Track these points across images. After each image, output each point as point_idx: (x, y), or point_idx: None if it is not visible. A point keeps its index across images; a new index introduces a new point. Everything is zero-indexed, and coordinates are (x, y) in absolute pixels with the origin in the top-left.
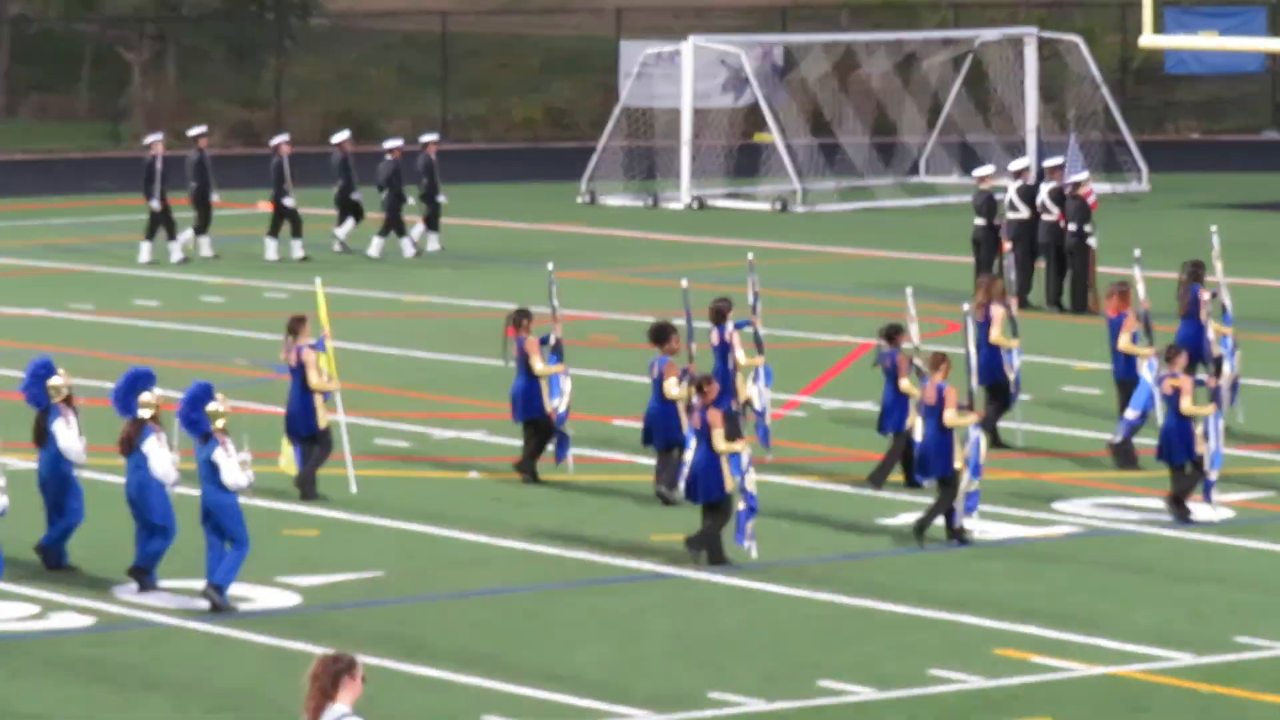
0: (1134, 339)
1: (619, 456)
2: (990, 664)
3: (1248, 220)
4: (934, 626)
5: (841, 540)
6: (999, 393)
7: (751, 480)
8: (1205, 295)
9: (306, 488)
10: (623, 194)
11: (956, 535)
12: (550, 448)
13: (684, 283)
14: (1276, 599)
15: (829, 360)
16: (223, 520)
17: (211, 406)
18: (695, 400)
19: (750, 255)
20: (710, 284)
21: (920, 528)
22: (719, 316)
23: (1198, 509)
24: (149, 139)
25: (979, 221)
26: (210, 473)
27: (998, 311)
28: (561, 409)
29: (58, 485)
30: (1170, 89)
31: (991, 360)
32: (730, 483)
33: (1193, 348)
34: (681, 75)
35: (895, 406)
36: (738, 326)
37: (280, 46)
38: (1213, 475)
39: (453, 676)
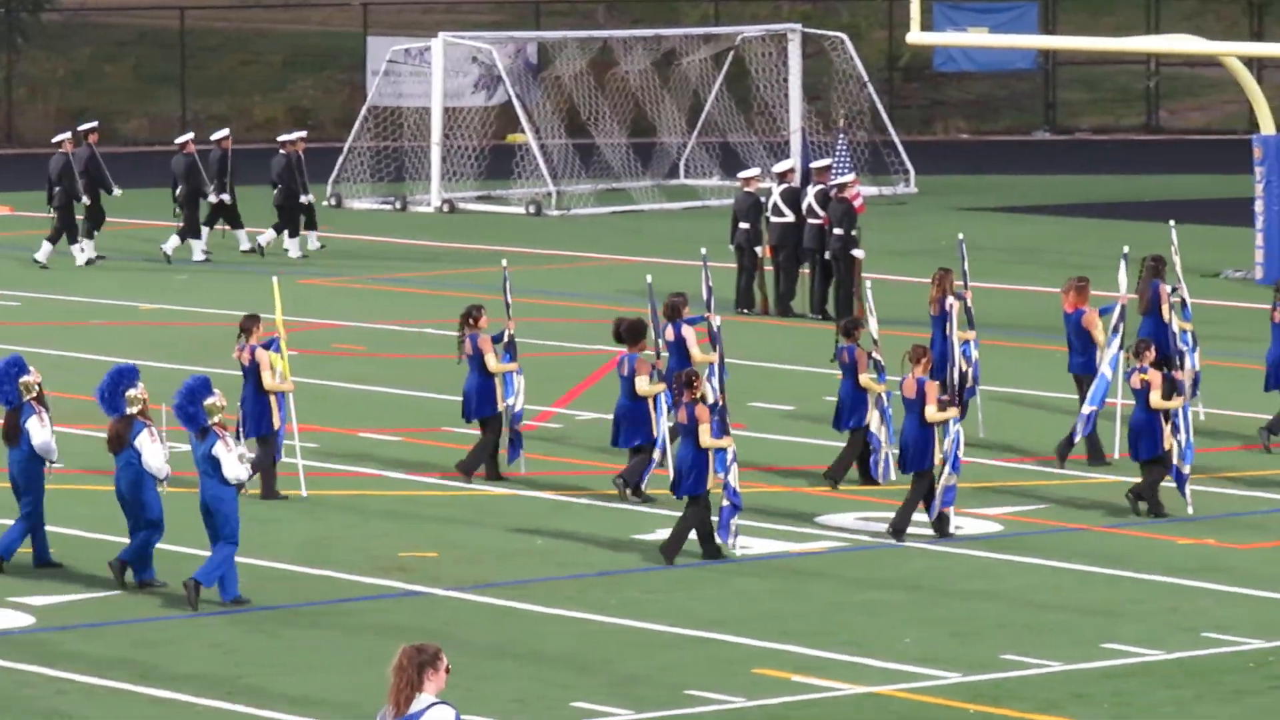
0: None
1: (368, 471)
2: (750, 684)
3: (1018, 223)
4: (692, 645)
5: (597, 557)
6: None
7: (735, 477)
8: (1166, 289)
9: (267, 489)
10: (370, 197)
11: (937, 526)
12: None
13: (649, 279)
14: (1044, 616)
15: (584, 370)
16: (220, 515)
17: (209, 400)
18: (682, 396)
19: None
20: (461, 291)
21: (898, 528)
22: (673, 312)
23: (1179, 501)
24: None
25: (743, 225)
26: (210, 467)
27: (955, 304)
28: (516, 407)
29: (27, 484)
30: (939, 87)
31: (949, 355)
32: (714, 479)
33: (1157, 344)
34: (431, 73)
35: (853, 402)
36: (689, 322)
37: (10, 42)
38: (1185, 469)
39: (191, 699)
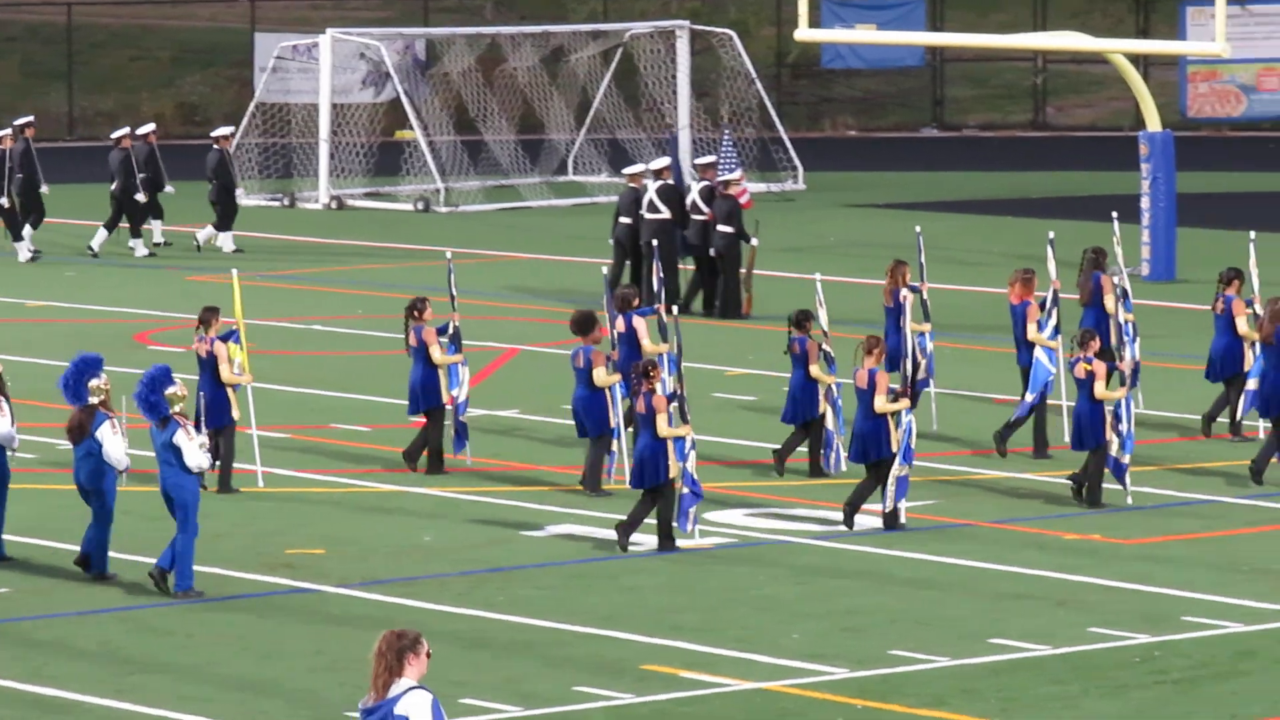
0: (1040, 327)
1: (251, 468)
2: (639, 680)
3: (905, 220)
4: (581, 642)
5: (487, 553)
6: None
7: (694, 465)
8: (1110, 279)
9: (223, 484)
10: (257, 193)
11: (889, 519)
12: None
13: (604, 269)
14: (932, 611)
15: (474, 367)
16: (181, 503)
17: (170, 390)
18: (641, 386)
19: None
20: (349, 288)
21: (850, 513)
22: (624, 304)
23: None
24: None
25: (624, 220)
26: (171, 456)
27: (909, 296)
28: (461, 398)
29: None
30: (827, 84)
31: (902, 347)
32: (674, 468)
33: (1099, 337)
34: (320, 69)
35: (804, 393)
36: (640, 313)
37: None
38: (1125, 459)
39: (77, 697)
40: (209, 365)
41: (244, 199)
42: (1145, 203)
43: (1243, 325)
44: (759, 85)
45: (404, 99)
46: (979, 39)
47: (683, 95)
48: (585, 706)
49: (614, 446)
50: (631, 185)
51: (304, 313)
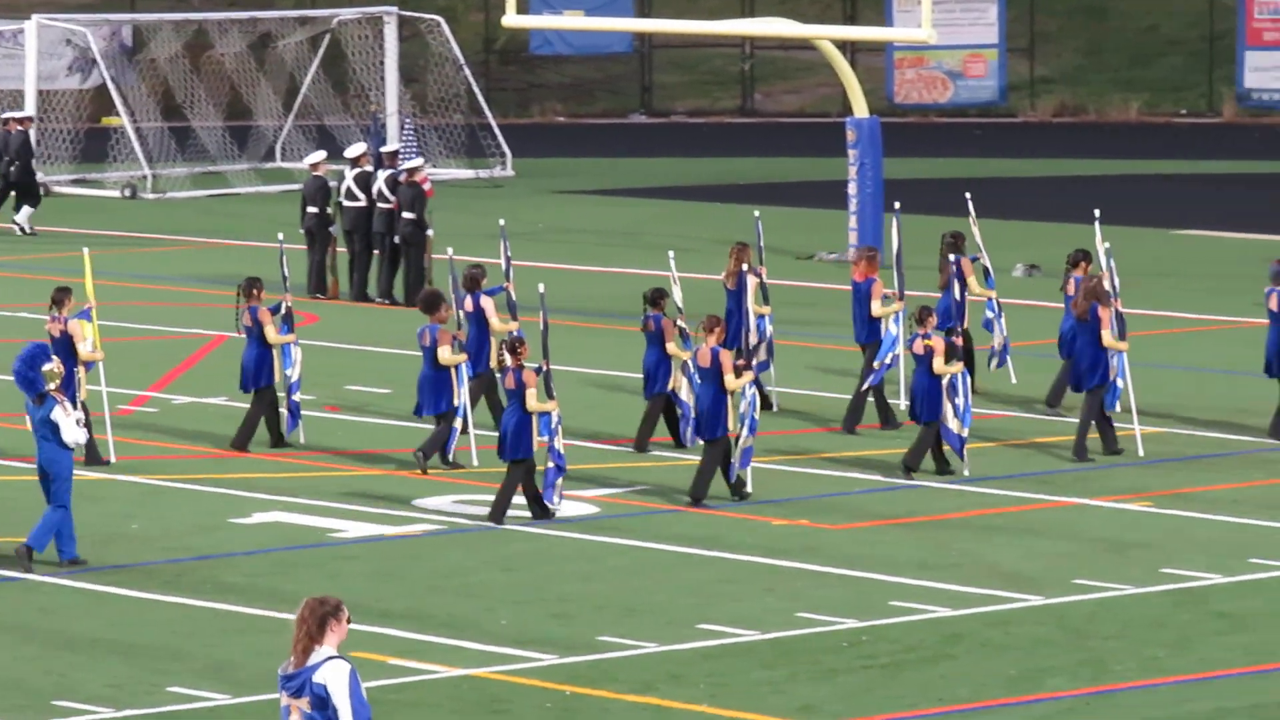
0: (884, 302)
1: None
2: None
3: (614, 206)
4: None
5: (195, 541)
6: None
7: (559, 440)
8: (968, 261)
9: (91, 455)
10: None
11: (735, 489)
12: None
13: (449, 250)
14: (641, 597)
15: (180, 354)
16: (56, 478)
17: (47, 366)
18: (509, 361)
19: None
20: (51, 274)
21: (697, 495)
22: (472, 284)
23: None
24: None
25: (311, 210)
26: (49, 431)
27: (751, 280)
28: (294, 378)
29: None
30: (535, 70)
31: (744, 326)
32: (539, 441)
33: (957, 319)
34: (25, 55)
35: (658, 369)
36: (488, 293)
37: None
38: (964, 432)
39: None
40: (63, 344)
41: None
42: (853, 188)
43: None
44: (467, 71)
45: (110, 85)
46: (687, 25)
47: (390, 82)
48: None
49: (458, 424)
50: (316, 174)
51: (5, 300)
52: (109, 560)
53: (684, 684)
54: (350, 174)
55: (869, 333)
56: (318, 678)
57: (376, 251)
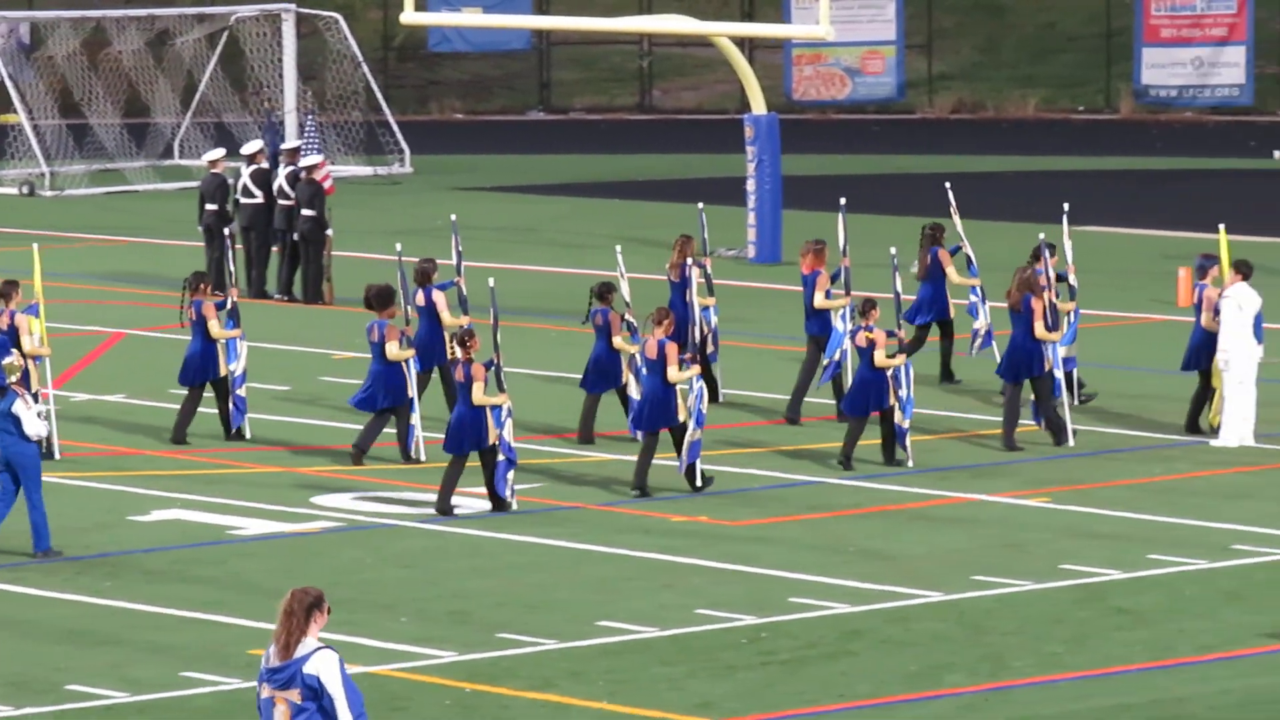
0: (827, 295)
1: None
2: (246, 665)
3: (513, 203)
4: (190, 627)
5: (94, 539)
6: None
7: (509, 432)
8: (944, 253)
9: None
10: None
11: (688, 478)
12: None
13: (398, 246)
14: (541, 594)
15: (78, 352)
16: (25, 469)
17: (7, 360)
18: (459, 354)
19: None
20: None
21: (640, 483)
22: (423, 278)
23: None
24: None
25: (209, 207)
26: (10, 425)
27: (695, 272)
28: (238, 372)
29: None
30: (434, 67)
31: (689, 318)
32: (494, 434)
33: (938, 309)
34: None
35: (606, 363)
36: (439, 287)
37: None
38: (905, 424)
39: None
40: (9, 337)
41: None
42: (751, 185)
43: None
44: (365, 69)
45: (8, 82)
46: (585, 22)
47: (289, 79)
48: (193, 692)
49: (415, 420)
50: (214, 171)
51: None
52: (6, 559)
53: (583, 681)
54: (246, 171)
55: (820, 325)
56: (309, 668)
57: (275, 248)
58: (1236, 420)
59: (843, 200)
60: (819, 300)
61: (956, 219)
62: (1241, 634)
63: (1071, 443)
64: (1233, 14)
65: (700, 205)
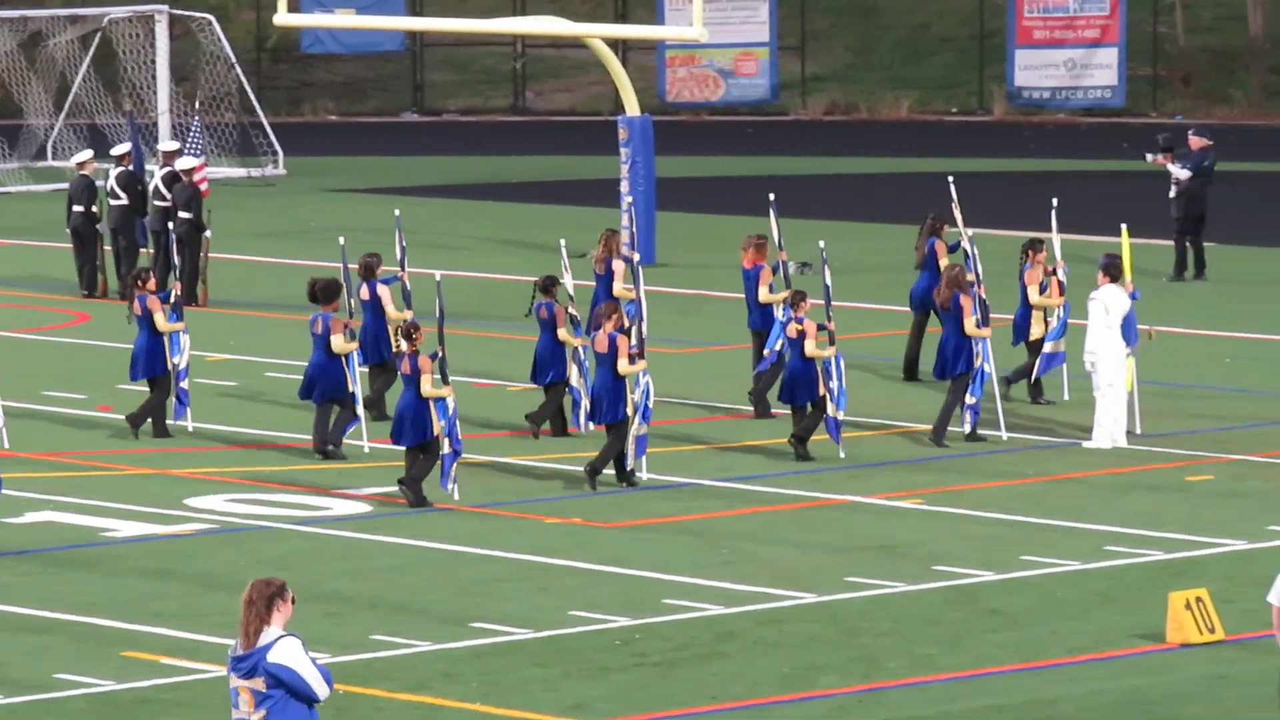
0: (771, 289)
1: None
2: (120, 667)
3: (387, 205)
4: (62, 629)
5: None
6: None
7: (455, 424)
8: (942, 244)
9: None
10: None
11: (626, 478)
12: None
13: (341, 240)
14: (414, 596)
15: None
16: None
17: None
18: (404, 347)
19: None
20: None
21: (592, 471)
22: (368, 271)
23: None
24: None
25: (77, 209)
26: None
27: (618, 266)
28: (182, 365)
29: None
30: (307, 69)
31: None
32: (438, 426)
33: (930, 300)
34: None
35: (550, 356)
36: (383, 281)
37: None
38: (839, 415)
39: None
40: None
41: None
42: (625, 186)
43: (1034, 295)
44: (239, 70)
45: None
46: (458, 24)
47: (162, 80)
48: (66, 694)
49: (360, 413)
50: (82, 173)
51: None
52: None
53: (457, 682)
54: (113, 173)
55: (762, 319)
56: (272, 657)
57: (146, 250)
58: (1107, 421)
59: (771, 195)
60: (763, 295)
61: (958, 215)
62: (1113, 635)
63: (1005, 437)
64: (1105, 16)
65: (629, 198)
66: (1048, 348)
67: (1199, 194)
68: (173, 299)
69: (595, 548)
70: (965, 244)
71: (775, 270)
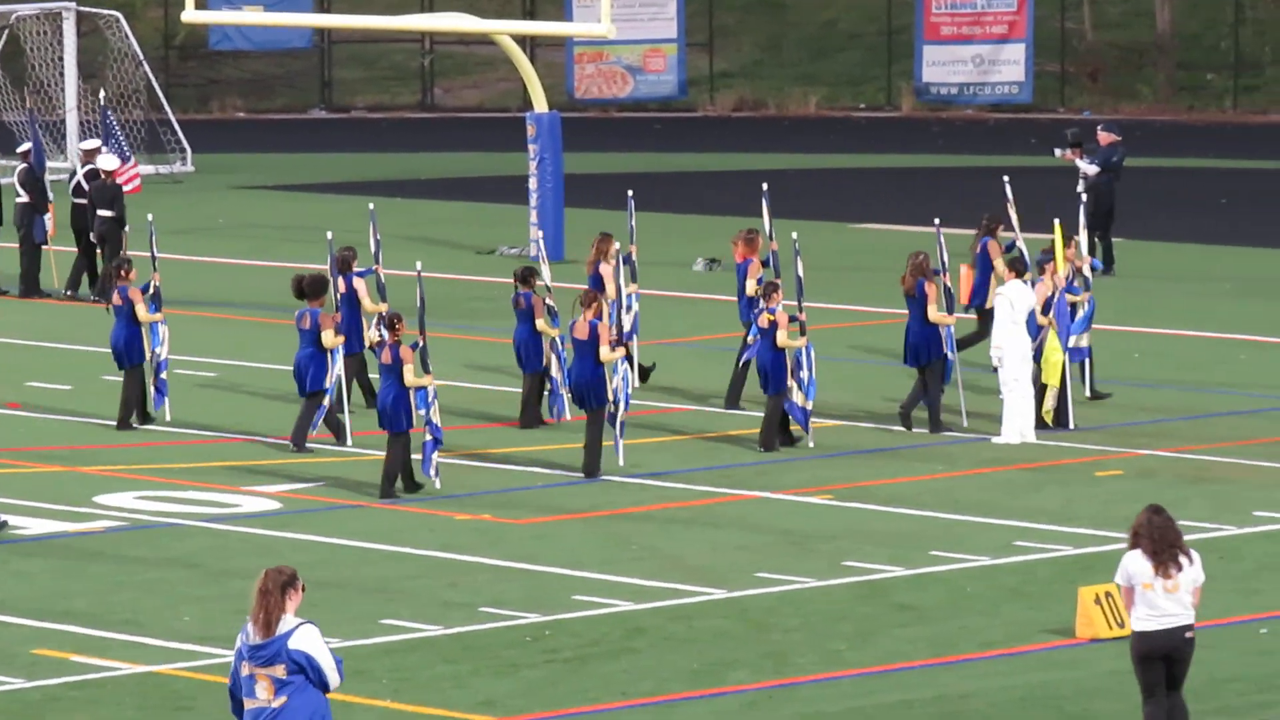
0: (759, 282)
1: None
2: (30, 665)
3: (295, 201)
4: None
5: None
6: None
7: (436, 413)
8: (996, 245)
9: None
10: None
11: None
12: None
13: (329, 235)
14: (322, 593)
15: None
16: None
17: None
18: (386, 337)
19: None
20: None
21: (589, 469)
22: (344, 265)
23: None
24: None
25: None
26: None
27: (606, 269)
28: (162, 356)
29: None
30: (215, 66)
31: (619, 304)
32: (417, 416)
33: (980, 298)
34: None
35: (529, 346)
36: (359, 274)
37: None
38: (809, 405)
39: None
40: None
41: None
42: (533, 183)
43: (1045, 284)
44: (146, 67)
45: None
46: (366, 21)
47: (70, 77)
48: None
49: (327, 403)
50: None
51: None
52: None
53: (366, 679)
54: (16, 170)
55: (750, 312)
56: (294, 644)
57: (46, 247)
58: (1015, 417)
59: (765, 185)
60: (750, 288)
61: (1014, 216)
62: (1024, 630)
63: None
64: (1013, 12)
65: (630, 192)
66: (1072, 341)
67: (1107, 189)
68: (152, 289)
69: (505, 544)
70: (1020, 246)
71: (765, 264)
